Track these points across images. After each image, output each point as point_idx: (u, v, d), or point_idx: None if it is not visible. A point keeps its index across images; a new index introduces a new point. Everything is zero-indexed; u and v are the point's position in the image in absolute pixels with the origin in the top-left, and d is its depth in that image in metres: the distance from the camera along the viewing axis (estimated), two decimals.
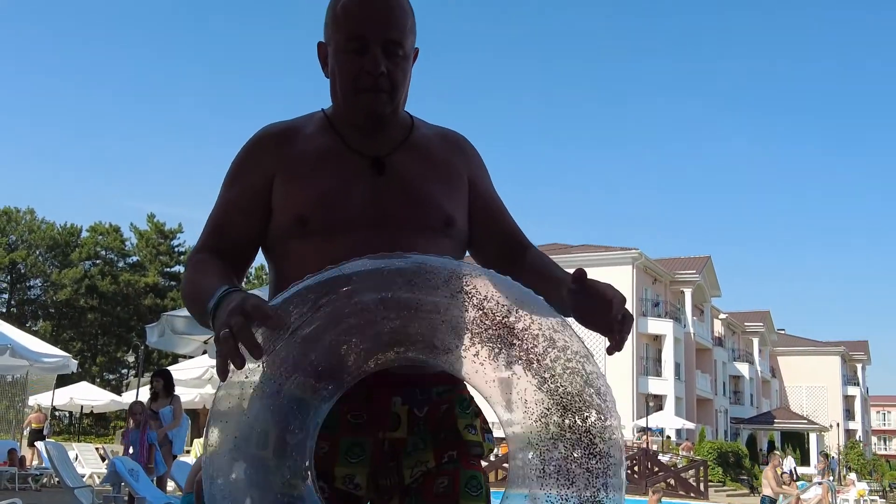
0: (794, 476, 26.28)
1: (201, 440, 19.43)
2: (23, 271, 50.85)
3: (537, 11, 72.66)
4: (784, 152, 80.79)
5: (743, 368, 56.35)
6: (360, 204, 1.79)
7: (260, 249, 1.90)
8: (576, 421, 1.50)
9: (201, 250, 1.86)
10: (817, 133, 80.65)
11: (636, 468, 23.35)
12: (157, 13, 69.90)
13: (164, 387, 10.33)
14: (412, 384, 1.78)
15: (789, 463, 31.02)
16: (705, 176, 77.94)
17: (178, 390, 11.40)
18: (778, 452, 25.94)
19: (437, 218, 1.83)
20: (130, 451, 9.96)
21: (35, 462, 17.57)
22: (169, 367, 16.80)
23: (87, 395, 28.80)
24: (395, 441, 1.76)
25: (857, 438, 61.59)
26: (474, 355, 1.56)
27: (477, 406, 1.88)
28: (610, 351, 1.57)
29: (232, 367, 1.41)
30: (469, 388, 1.76)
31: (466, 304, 1.53)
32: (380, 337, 1.52)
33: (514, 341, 1.52)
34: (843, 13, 79.37)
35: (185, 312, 10.24)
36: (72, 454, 15.25)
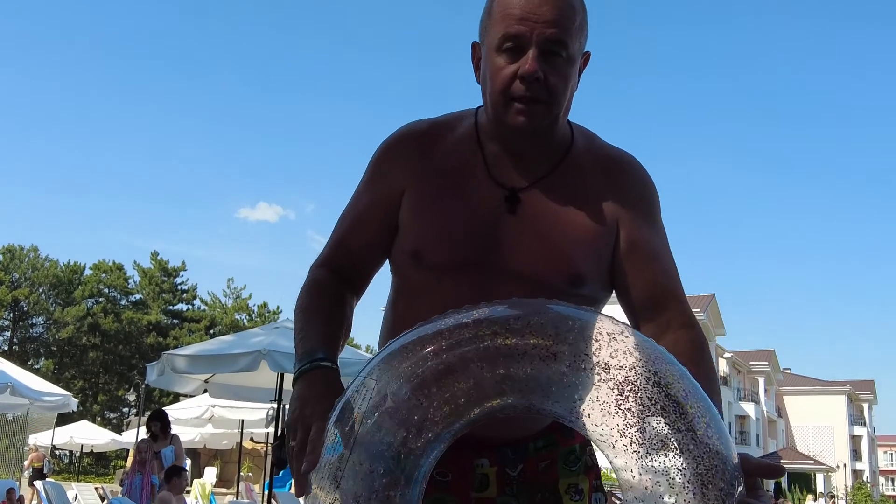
0: None
1: (201, 480, 19.26)
2: (25, 309, 50.73)
3: None
4: (789, 191, 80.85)
5: (749, 408, 55.96)
6: (480, 246, 1.61)
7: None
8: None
9: (323, 265, 1.75)
10: (823, 171, 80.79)
11: None
12: (157, 60, 70.45)
13: (162, 428, 10.27)
14: (502, 444, 1.62)
15: None
16: (709, 214, 77.95)
17: (179, 430, 11.30)
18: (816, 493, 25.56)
19: (561, 275, 1.60)
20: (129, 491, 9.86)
21: (34, 502, 17.39)
22: (170, 406, 16.69)
23: (87, 435, 28.63)
24: (483, 501, 1.61)
25: (865, 479, 61.04)
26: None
27: (591, 457, 1.70)
28: None
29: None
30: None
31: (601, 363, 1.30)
32: (487, 385, 1.34)
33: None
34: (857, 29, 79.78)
35: (185, 351, 10.16)
36: (71, 494, 15.09)
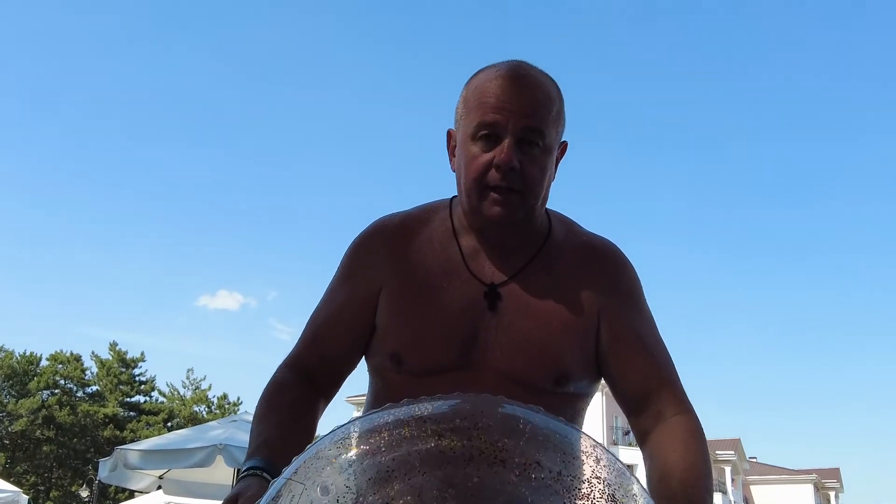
0: None
1: None
2: None
3: None
4: (753, 278, 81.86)
5: (717, 499, 55.52)
6: (462, 347, 1.56)
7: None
8: None
9: (290, 366, 1.68)
10: (787, 259, 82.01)
11: None
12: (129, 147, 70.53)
13: None
14: None
15: None
16: (671, 303, 78.61)
17: None
18: None
19: (546, 375, 1.56)
20: None
21: None
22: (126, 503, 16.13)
23: None
24: None
25: None
26: None
27: None
28: None
29: None
30: None
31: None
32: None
33: None
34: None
35: (138, 446, 9.89)
36: None
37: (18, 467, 48.21)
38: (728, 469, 58.19)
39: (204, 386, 53.22)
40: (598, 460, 1.19)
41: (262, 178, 71.74)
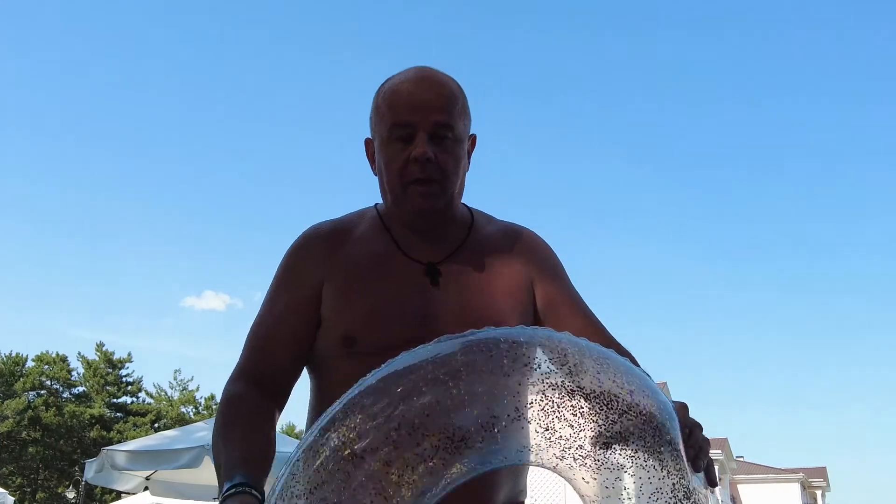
0: None
1: None
2: None
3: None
4: (740, 276, 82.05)
5: None
6: (411, 320, 1.64)
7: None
8: None
9: (239, 377, 1.69)
10: (774, 255, 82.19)
11: None
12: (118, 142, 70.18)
13: None
14: None
15: None
16: (657, 301, 78.74)
17: None
18: None
19: None
20: None
21: None
22: None
23: None
24: None
25: None
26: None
27: None
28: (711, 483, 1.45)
29: None
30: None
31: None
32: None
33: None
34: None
35: (125, 447, 9.84)
36: None
37: (4, 469, 47.99)
38: (716, 468, 58.39)
39: (192, 387, 53.09)
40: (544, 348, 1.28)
41: (249, 178, 71.56)
